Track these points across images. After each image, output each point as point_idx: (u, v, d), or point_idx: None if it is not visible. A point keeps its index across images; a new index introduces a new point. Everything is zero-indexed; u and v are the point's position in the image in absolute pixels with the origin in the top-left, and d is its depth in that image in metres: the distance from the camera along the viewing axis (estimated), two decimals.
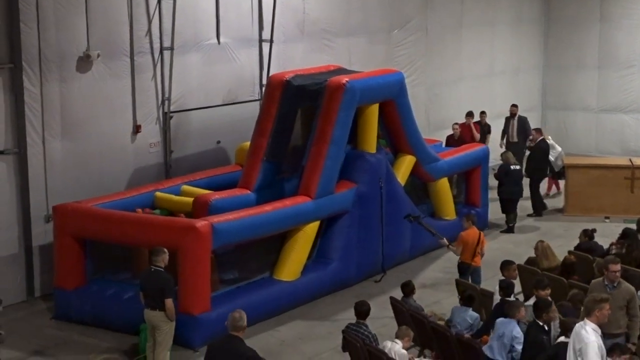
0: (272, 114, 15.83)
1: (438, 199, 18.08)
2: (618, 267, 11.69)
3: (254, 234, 14.16)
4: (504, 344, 10.93)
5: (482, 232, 15.24)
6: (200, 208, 14.67)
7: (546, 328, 10.48)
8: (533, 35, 26.14)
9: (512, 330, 10.88)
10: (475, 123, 21.76)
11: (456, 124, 21.34)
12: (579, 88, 25.92)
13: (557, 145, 21.44)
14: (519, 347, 10.75)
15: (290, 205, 14.79)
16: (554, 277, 13.61)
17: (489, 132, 22.12)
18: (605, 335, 9.94)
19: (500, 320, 11.19)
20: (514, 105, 22.52)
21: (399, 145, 17.26)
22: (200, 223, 13.26)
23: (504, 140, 22.31)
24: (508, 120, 22.47)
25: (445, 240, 15.33)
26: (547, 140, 21.09)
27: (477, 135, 21.53)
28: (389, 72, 17.25)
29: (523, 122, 22.28)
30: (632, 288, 12.04)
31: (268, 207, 14.52)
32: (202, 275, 13.23)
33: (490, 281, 14.72)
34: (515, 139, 22.18)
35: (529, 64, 26.19)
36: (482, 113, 22.12)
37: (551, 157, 21.13)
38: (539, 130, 21.30)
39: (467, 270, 14.80)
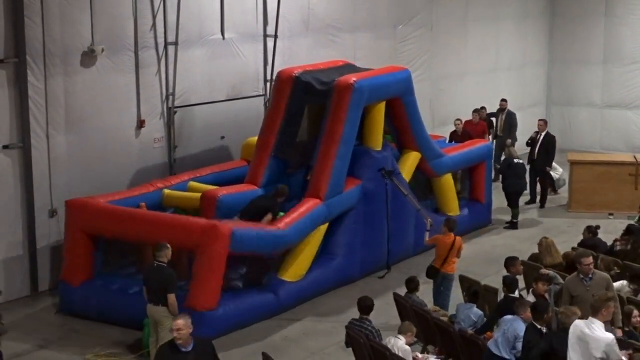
0: (281, 109, 15.79)
1: (442, 194, 18.05)
2: (590, 259, 12.04)
3: (272, 249, 14.24)
4: (507, 340, 10.92)
5: (458, 239, 14.20)
6: (209, 203, 14.71)
7: (543, 330, 10.46)
8: (538, 30, 26.08)
9: (517, 328, 10.85)
10: (482, 120, 21.65)
11: (458, 119, 21.30)
12: (584, 83, 25.85)
13: (558, 167, 21.23)
14: (520, 346, 10.73)
15: (305, 214, 14.66)
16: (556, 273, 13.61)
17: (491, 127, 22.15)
18: None
19: (506, 317, 11.16)
20: (504, 100, 22.45)
21: (404, 142, 17.24)
22: (221, 224, 13.29)
23: (492, 134, 22.29)
24: (497, 114, 22.43)
25: (429, 222, 14.89)
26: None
27: (488, 135, 21.43)
28: (396, 70, 17.20)
29: (510, 116, 22.17)
30: (607, 275, 12.29)
31: (288, 220, 14.33)
32: (215, 274, 13.24)
33: (493, 277, 14.72)
34: (501, 134, 22.16)
35: (534, 59, 26.14)
36: (483, 108, 22.06)
37: (555, 175, 21.07)
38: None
39: (435, 275, 14.17)
